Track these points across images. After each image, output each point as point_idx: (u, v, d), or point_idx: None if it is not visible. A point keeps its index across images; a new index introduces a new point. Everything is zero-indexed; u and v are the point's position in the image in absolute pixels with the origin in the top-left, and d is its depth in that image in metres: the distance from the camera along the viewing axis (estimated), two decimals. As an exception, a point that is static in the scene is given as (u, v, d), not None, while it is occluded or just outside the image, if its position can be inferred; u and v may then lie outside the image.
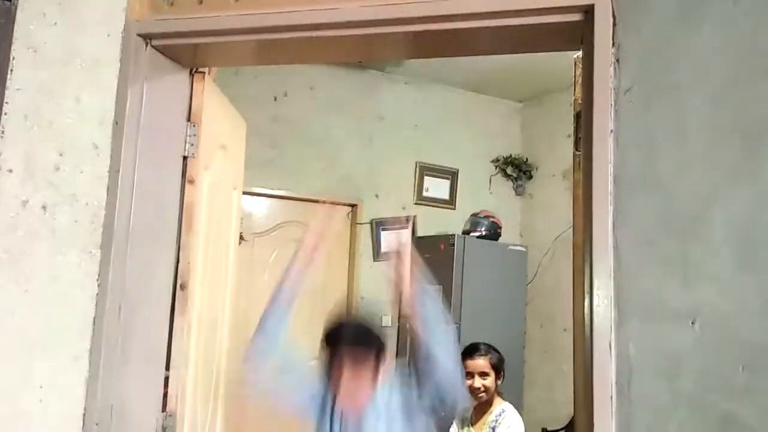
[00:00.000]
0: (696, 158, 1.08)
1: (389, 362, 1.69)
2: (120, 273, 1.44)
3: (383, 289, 5.05)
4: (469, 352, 2.53)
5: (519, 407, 4.16)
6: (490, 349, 2.56)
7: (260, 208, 4.40)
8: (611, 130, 1.20)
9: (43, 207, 1.39)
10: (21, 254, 1.35)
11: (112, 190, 1.46)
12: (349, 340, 1.61)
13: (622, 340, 1.09)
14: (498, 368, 2.51)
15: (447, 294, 4.16)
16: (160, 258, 1.60)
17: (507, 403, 2.52)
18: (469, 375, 2.44)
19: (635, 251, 1.10)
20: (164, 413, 1.59)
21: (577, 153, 1.43)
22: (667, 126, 1.13)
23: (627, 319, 1.10)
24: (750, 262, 0.97)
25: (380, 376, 1.64)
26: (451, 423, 2.59)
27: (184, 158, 1.71)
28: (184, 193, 1.67)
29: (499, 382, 2.52)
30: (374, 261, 4.67)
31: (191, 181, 1.69)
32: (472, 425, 2.53)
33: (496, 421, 2.43)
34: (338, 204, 4.62)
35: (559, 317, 4.68)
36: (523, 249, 4.48)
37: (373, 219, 4.64)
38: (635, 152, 1.16)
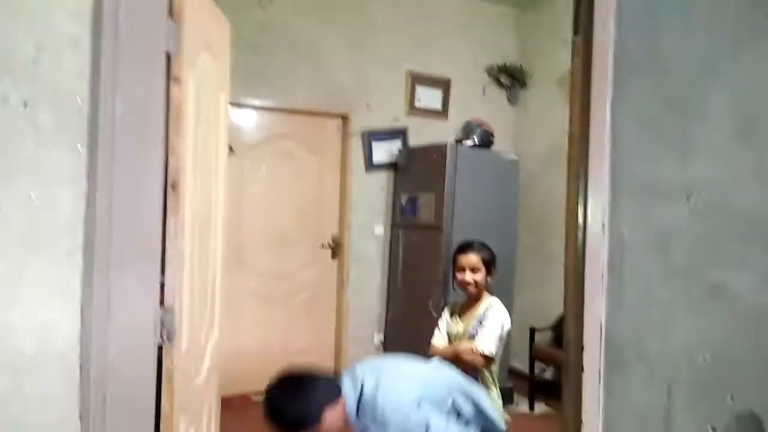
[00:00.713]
0: (697, 31, 1.04)
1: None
2: (108, 171, 1.41)
3: (375, 199, 5.13)
4: (462, 248, 2.60)
5: (509, 308, 4.28)
6: (483, 246, 2.61)
7: (249, 121, 4.33)
8: (613, 8, 1.16)
9: (24, 103, 1.34)
10: (4, 151, 1.31)
11: (94, 85, 1.40)
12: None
13: (616, 219, 1.10)
14: (489, 264, 2.56)
15: (439, 202, 4.18)
16: (148, 157, 1.57)
17: (495, 298, 2.60)
18: (461, 269, 2.54)
19: (633, 131, 1.08)
20: (162, 308, 1.61)
21: (576, 38, 1.39)
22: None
23: (622, 199, 1.10)
24: (748, 135, 0.95)
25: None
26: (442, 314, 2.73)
27: (168, 56, 1.64)
28: (169, 91, 1.61)
29: (489, 279, 2.58)
30: (366, 171, 4.65)
31: (176, 80, 1.63)
32: (460, 317, 2.63)
33: (484, 314, 2.51)
34: (328, 115, 4.55)
35: (549, 224, 4.75)
36: (515, 158, 4.47)
37: (364, 130, 4.58)
38: (637, 30, 1.12)
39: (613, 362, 1.11)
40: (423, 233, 4.37)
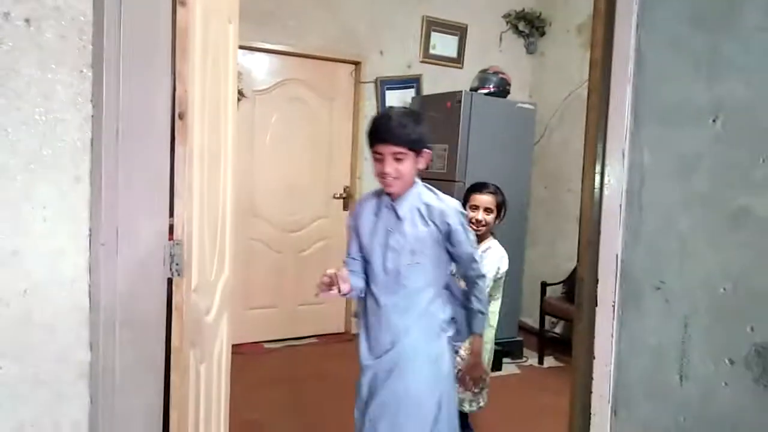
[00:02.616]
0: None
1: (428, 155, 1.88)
2: (114, 95, 1.38)
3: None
4: (478, 187, 2.65)
5: (520, 262, 4.29)
6: (497, 189, 2.65)
7: (259, 65, 4.25)
8: None
9: (27, 20, 1.30)
10: (9, 70, 1.28)
11: (98, 4, 1.36)
12: (388, 132, 1.76)
13: (636, 146, 1.06)
14: (500, 208, 2.62)
15: (453, 152, 4.12)
16: (155, 83, 1.53)
17: (494, 240, 2.67)
18: (474, 208, 2.58)
19: (659, 52, 1.02)
20: (171, 241, 1.59)
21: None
22: None
23: (644, 124, 1.05)
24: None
25: (420, 167, 1.86)
26: None
27: (173, -22, 1.58)
28: (175, 15, 1.56)
29: (497, 222, 2.65)
30: (379, 121, 4.57)
31: (182, 3, 1.58)
32: None
33: (482, 256, 2.52)
34: (341, 61, 4.45)
35: (564, 178, 4.68)
36: (531, 107, 4.37)
37: (377, 77, 4.49)
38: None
39: (629, 295, 1.08)
40: (436, 184, 4.31)
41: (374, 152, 1.81)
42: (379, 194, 1.94)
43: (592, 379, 1.13)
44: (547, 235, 4.87)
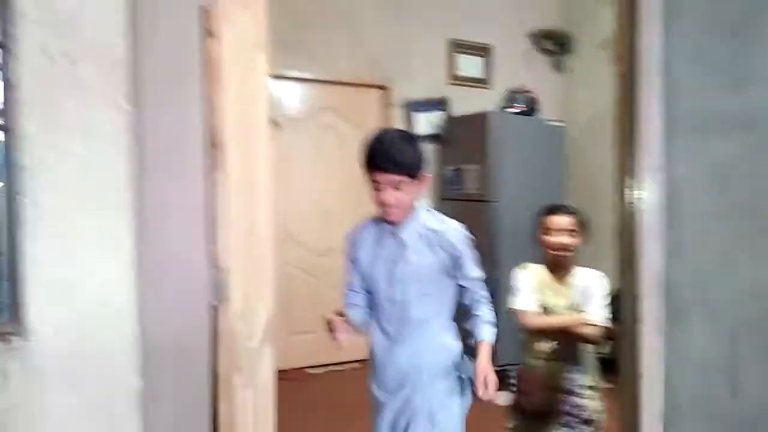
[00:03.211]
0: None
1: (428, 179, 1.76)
2: (153, 128, 1.45)
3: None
4: (552, 209, 2.23)
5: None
6: (574, 209, 2.24)
7: (290, 94, 4.34)
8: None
9: (66, 55, 1.36)
10: (49, 105, 1.34)
11: (130, 38, 1.42)
12: (385, 160, 1.64)
13: (671, 159, 1.06)
14: (584, 228, 2.20)
15: (484, 172, 4.12)
16: (188, 115, 1.59)
17: (586, 268, 2.23)
18: (547, 232, 2.17)
19: (687, 63, 1.03)
20: (215, 269, 1.64)
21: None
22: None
23: (676, 136, 1.05)
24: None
25: (420, 191, 1.74)
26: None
27: (203, 9, 1.65)
28: (205, 46, 1.62)
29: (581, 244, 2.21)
30: (409, 144, 4.61)
31: (212, 34, 1.64)
32: (561, 293, 2.20)
33: (587, 284, 2.14)
34: (369, 86, 4.52)
35: (599, 195, 4.62)
36: (562, 124, 4.35)
37: (405, 101, 4.54)
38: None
39: (672, 311, 1.07)
40: (469, 205, 4.32)
41: (372, 180, 1.68)
42: (378, 221, 1.81)
43: (639, 397, 1.12)
44: (584, 257, 4.80)
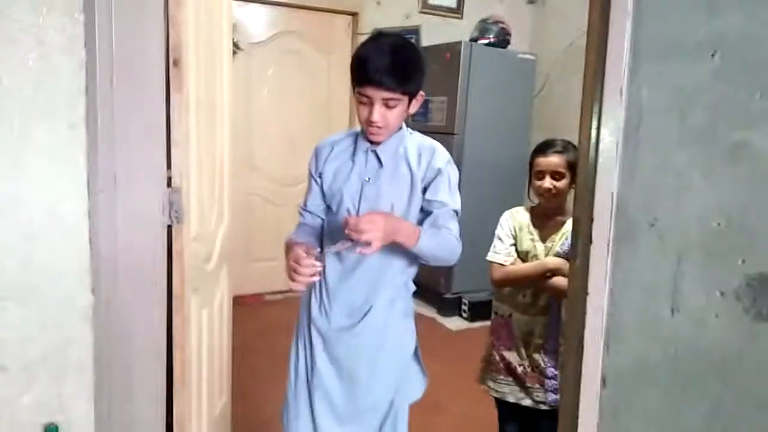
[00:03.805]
0: None
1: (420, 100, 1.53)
2: (107, 40, 1.37)
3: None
4: (542, 148, 1.96)
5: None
6: (569, 145, 1.92)
7: (254, 18, 4.17)
8: None
9: (15, -38, 1.27)
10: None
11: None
12: (383, 73, 1.39)
13: (634, 83, 1.05)
14: (575, 169, 2.00)
15: (452, 105, 4.08)
16: (148, 30, 1.51)
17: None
18: (539, 175, 1.91)
19: (658, -15, 1.01)
20: (170, 188, 1.60)
21: None
22: None
23: (643, 61, 1.04)
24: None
25: (411, 112, 1.54)
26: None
27: None
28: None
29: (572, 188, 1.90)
30: (377, 73, 4.52)
31: (174, -53, 1.54)
32: (542, 241, 1.96)
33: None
34: (337, 12, 4.37)
35: (565, 130, 4.63)
36: (532, 57, 4.31)
37: (375, 28, 4.41)
38: None
39: (624, 233, 1.09)
40: (434, 138, 4.30)
41: (360, 94, 1.44)
42: (354, 136, 1.61)
43: (584, 316, 1.15)
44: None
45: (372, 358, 1.60)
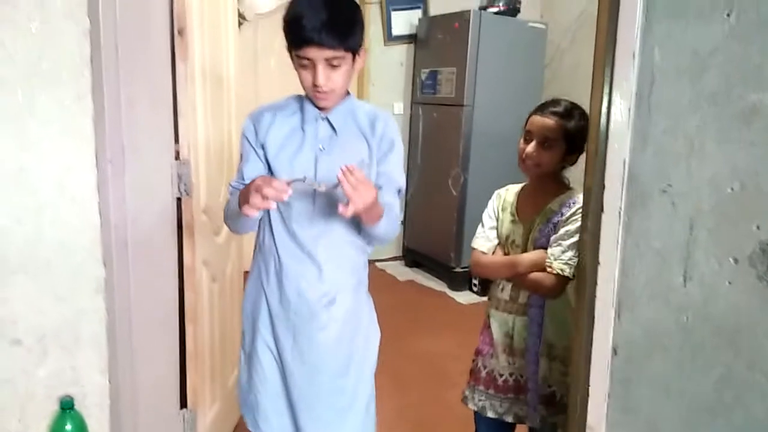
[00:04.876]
0: None
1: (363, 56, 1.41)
2: (111, 8, 1.34)
3: (394, 75, 4.97)
4: (542, 106, 1.64)
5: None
6: (574, 111, 1.60)
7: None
8: None
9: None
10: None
11: None
12: (321, 31, 1.28)
13: (647, 45, 1.02)
14: (573, 140, 1.57)
15: (461, 75, 4.03)
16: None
17: (580, 194, 1.44)
18: (527, 135, 1.61)
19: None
20: (178, 161, 1.60)
21: None
22: None
23: (655, 22, 1.01)
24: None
25: (357, 68, 1.41)
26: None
27: None
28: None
29: (567, 163, 1.63)
30: (385, 45, 4.47)
31: None
32: (518, 214, 1.69)
33: (560, 212, 1.58)
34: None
35: (577, 101, 4.58)
36: (542, 26, 4.23)
37: (381, -3, 4.35)
38: None
39: (635, 200, 1.07)
40: (443, 110, 4.26)
41: (299, 57, 1.33)
42: (298, 101, 1.47)
43: (595, 286, 1.14)
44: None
45: (344, 356, 1.47)
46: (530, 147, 1.58)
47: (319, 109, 1.42)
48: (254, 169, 1.43)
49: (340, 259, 1.43)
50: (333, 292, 1.42)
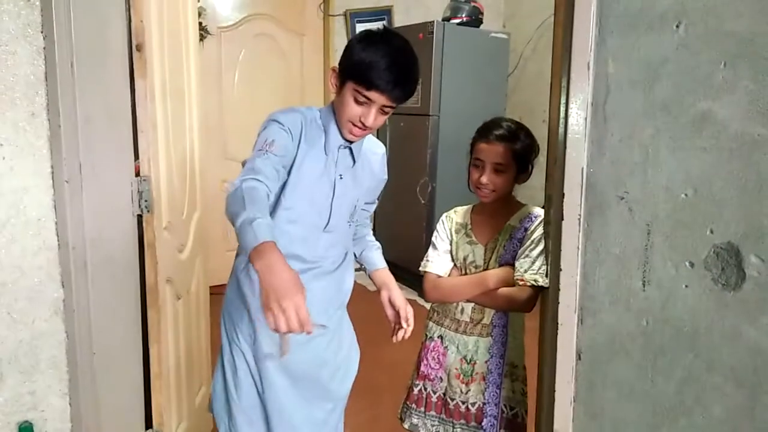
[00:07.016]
0: None
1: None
2: (66, 25, 1.32)
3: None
4: (485, 130, 1.60)
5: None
6: (518, 131, 1.59)
7: (223, 1, 4.08)
8: None
9: (-38, -54, 1.22)
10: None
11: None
12: (398, 84, 1.31)
13: (601, 57, 1.05)
14: (522, 160, 1.57)
15: (426, 85, 4.06)
16: (108, 14, 1.47)
17: (537, 208, 1.60)
18: (478, 163, 1.59)
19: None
20: (138, 178, 1.57)
21: None
22: None
23: (609, 34, 1.03)
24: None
25: None
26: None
27: None
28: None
29: (518, 182, 1.62)
30: (350, 56, 4.47)
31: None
32: (475, 235, 1.65)
33: (522, 228, 1.58)
34: (309, -7, 4.31)
35: (539, 109, 4.66)
36: (505, 36, 4.29)
37: (347, 9, 4.36)
38: None
39: (594, 207, 1.09)
40: (410, 119, 4.28)
41: (359, 93, 1.30)
42: (323, 121, 1.43)
43: (558, 293, 1.16)
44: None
45: (328, 370, 1.52)
46: (484, 177, 1.56)
47: (345, 140, 1.41)
48: (273, 166, 1.33)
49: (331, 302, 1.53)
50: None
